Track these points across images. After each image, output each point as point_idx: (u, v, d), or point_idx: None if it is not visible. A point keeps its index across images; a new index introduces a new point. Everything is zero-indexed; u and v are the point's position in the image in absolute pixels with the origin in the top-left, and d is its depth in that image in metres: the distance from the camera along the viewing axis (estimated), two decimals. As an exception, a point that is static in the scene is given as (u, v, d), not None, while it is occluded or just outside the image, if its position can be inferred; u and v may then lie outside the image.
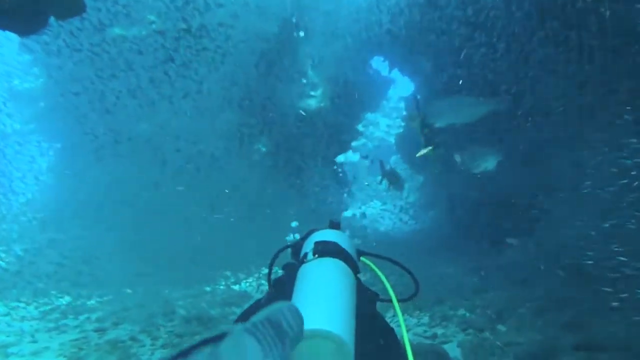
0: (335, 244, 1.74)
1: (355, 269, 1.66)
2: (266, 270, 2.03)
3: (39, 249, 13.65)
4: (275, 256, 2.02)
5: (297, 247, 1.95)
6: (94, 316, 8.22)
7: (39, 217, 15.86)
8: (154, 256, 12.22)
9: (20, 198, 17.88)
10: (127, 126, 12.25)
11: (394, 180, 12.27)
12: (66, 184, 15.54)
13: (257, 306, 1.68)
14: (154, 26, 9.73)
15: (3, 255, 13.28)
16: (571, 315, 7.00)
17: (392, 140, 23.46)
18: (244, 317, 1.66)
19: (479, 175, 11.54)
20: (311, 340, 1.21)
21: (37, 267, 12.03)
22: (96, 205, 14.36)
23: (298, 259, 1.84)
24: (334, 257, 1.62)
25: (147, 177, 13.51)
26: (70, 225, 14.65)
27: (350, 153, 16.70)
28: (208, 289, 11.25)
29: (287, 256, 1.99)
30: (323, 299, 1.37)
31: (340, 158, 15.94)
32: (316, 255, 1.65)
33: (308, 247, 1.78)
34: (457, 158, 11.67)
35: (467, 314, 8.03)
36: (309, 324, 1.20)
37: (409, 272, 1.95)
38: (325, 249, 1.68)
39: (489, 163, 11.52)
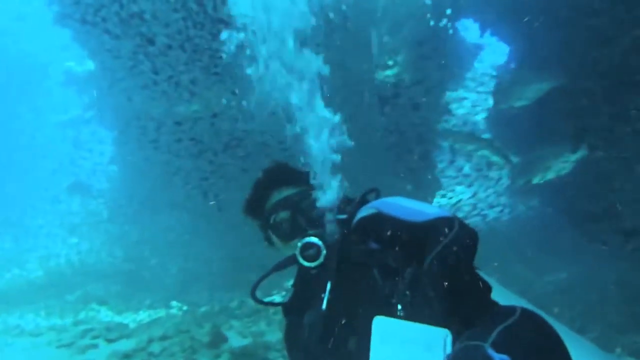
0: None
1: None
2: None
3: (95, 251, 12.71)
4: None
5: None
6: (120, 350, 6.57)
7: (100, 216, 15.06)
8: (209, 258, 10.67)
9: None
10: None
11: None
12: (125, 177, 14.49)
13: None
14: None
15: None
16: None
17: (478, 118, 20.64)
18: None
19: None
20: None
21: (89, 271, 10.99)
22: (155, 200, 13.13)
23: None
24: None
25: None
26: (129, 222, 13.59)
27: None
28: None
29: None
30: None
31: None
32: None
33: None
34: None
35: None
36: None
37: None
38: None
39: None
